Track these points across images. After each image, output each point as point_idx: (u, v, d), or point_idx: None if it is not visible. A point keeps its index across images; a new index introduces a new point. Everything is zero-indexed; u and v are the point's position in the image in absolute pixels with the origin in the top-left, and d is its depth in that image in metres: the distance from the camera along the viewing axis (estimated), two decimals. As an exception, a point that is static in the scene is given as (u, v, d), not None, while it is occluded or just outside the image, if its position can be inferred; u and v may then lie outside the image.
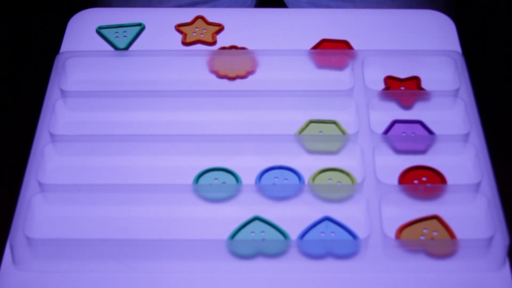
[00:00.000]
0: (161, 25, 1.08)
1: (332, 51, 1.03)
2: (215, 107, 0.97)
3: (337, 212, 0.87)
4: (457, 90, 0.97)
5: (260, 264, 0.84)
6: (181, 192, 0.88)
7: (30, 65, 1.89)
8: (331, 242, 0.84)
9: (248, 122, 0.96)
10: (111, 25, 1.06)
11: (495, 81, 1.88)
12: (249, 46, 1.04)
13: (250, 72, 1.02)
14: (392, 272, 0.83)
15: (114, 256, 0.83)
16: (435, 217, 0.86)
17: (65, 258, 0.84)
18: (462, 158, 0.92)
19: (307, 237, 0.85)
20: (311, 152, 0.93)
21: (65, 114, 0.96)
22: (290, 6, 1.23)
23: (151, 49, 1.03)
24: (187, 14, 1.09)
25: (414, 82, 1.00)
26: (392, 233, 0.85)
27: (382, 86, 1.00)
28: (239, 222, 0.86)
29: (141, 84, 1.00)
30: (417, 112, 0.97)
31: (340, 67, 1.02)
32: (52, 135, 0.92)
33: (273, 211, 0.87)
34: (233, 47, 1.04)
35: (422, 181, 0.90)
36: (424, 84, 1.00)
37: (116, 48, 1.04)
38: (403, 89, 0.99)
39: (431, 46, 1.05)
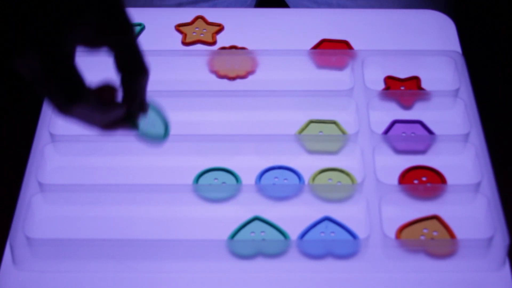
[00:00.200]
0: (161, 25, 1.08)
1: (332, 51, 1.03)
2: (215, 107, 0.97)
3: (337, 212, 0.87)
4: (457, 90, 0.97)
5: (260, 264, 0.84)
6: (181, 192, 0.88)
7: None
8: (331, 242, 0.84)
9: (248, 122, 0.96)
10: (111, 25, 1.06)
11: (495, 81, 1.88)
12: (249, 46, 1.04)
13: (250, 72, 1.02)
14: (392, 272, 0.83)
15: (114, 256, 0.83)
16: (435, 217, 0.86)
17: (65, 258, 0.84)
18: (462, 158, 0.92)
19: (307, 237, 0.85)
20: (311, 152, 0.93)
21: (65, 114, 0.96)
22: (291, 5, 1.23)
23: (151, 49, 1.03)
24: (187, 14, 1.09)
25: (414, 82, 1.00)
26: (392, 233, 0.85)
27: (382, 86, 1.00)
28: (239, 222, 0.86)
29: (141, 84, 1.00)
30: (417, 112, 0.97)
31: (340, 67, 1.02)
32: (52, 135, 0.92)
33: (273, 211, 0.87)
34: (233, 47, 1.04)
35: (422, 181, 0.90)
36: (424, 84, 1.00)
37: (116, 48, 1.04)
38: (403, 89, 0.99)
39: (431, 46, 1.05)
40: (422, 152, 0.93)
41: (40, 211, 0.87)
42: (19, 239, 0.83)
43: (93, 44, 0.73)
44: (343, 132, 0.94)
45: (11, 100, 1.83)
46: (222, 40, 1.06)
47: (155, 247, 0.83)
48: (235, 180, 0.90)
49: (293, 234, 0.85)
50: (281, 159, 0.92)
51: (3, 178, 1.68)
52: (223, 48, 1.05)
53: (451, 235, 0.85)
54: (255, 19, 1.10)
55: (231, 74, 1.02)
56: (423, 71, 1.01)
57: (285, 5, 1.26)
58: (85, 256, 0.83)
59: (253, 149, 0.92)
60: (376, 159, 0.90)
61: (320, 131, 0.95)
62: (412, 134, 0.94)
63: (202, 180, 0.90)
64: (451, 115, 0.97)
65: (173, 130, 0.93)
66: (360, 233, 0.85)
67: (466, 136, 0.92)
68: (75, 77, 0.69)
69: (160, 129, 0.80)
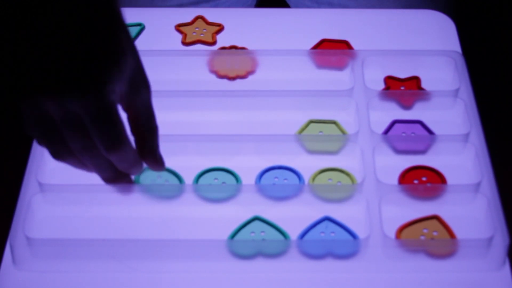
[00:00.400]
0: (161, 25, 1.08)
1: (332, 51, 1.03)
2: (215, 107, 0.97)
3: (337, 212, 0.87)
4: (457, 90, 0.97)
5: (260, 264, 0.84)
6: (181, 192, 0.88)
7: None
8: (331, 242, 0.84)
9: (248, 122, 0.96)
10: (111, 25, 1.06)
11: (495, 81, 1.88)
12: (249, 46, 1.04)
13: (250, 72, 1.02)
14: (392, 272, 0.83)
15: (114, 256, 0.83)
16: (435, 217, 0.86)
17: (65, 258, 0.84)
18: (462, 158, 0.92)
19: (307, 237, 0.85)
20: (311, 152, 0.93)
21: (65, 114, 0.96)
22: (292, 4, 1.23)
23: (151, 49, 1.03)
24: (187, 14, 1.09)
25: (414, 82, 1.00)
26: (392, 233, 0.85)
27: (382, 86, 1.00)
28: (239, 222, 0.86)
29: (141, 84, 1.00)
30: (417, 112, 0.97)
31: (340, 67, 1.02)
32: (52, 135, 0.92)
33: (273, 211, 0.87)
34: (233, 47, 1.04)
35: (422, 181, 0.90)
36: (424, 84, 1.00)
37: (116, 48, 1.04)
38: (403, 89, 0.99)
39: (431, 46, 1.05)
40: (422, 152, 0.93)
41: (40, 211, 0.87)
42: (19, 239, 0.83)
43: (122, 103, 0.74)
44: (343, 132, 0.94)
45: (11, 100, 1.83)
46: (222, 40, 1.06)
47: (155, 247, 0.83)
48: (235, 180, 0.90)
49: (293, 234, 0.85)
50: (281, 159, 0.92)
51: (3, 178, 1.68)
52: (223, 48, 1.05)
53: (451, 235, 0.85)
54: (255, 19, 1.10)
55: (231, 74, 1.01)
56: (423, 71, 1.01)
57: (286, 5, 1.26)
58: (85, 256, 0.83)
59: (253, 149, 0.92)
60: (376, 159, 0.90)
61: (320, 131, 0.95)
62: (412, 134, 0.94)
63: (202, 180, 0.90)
64: (451, 115, 0.97)
65: (173, 130, 0.94)
66: (360, 233, 0.85)
67: (466, 136, 0.92)
68: (120, 124, 0.71)
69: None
